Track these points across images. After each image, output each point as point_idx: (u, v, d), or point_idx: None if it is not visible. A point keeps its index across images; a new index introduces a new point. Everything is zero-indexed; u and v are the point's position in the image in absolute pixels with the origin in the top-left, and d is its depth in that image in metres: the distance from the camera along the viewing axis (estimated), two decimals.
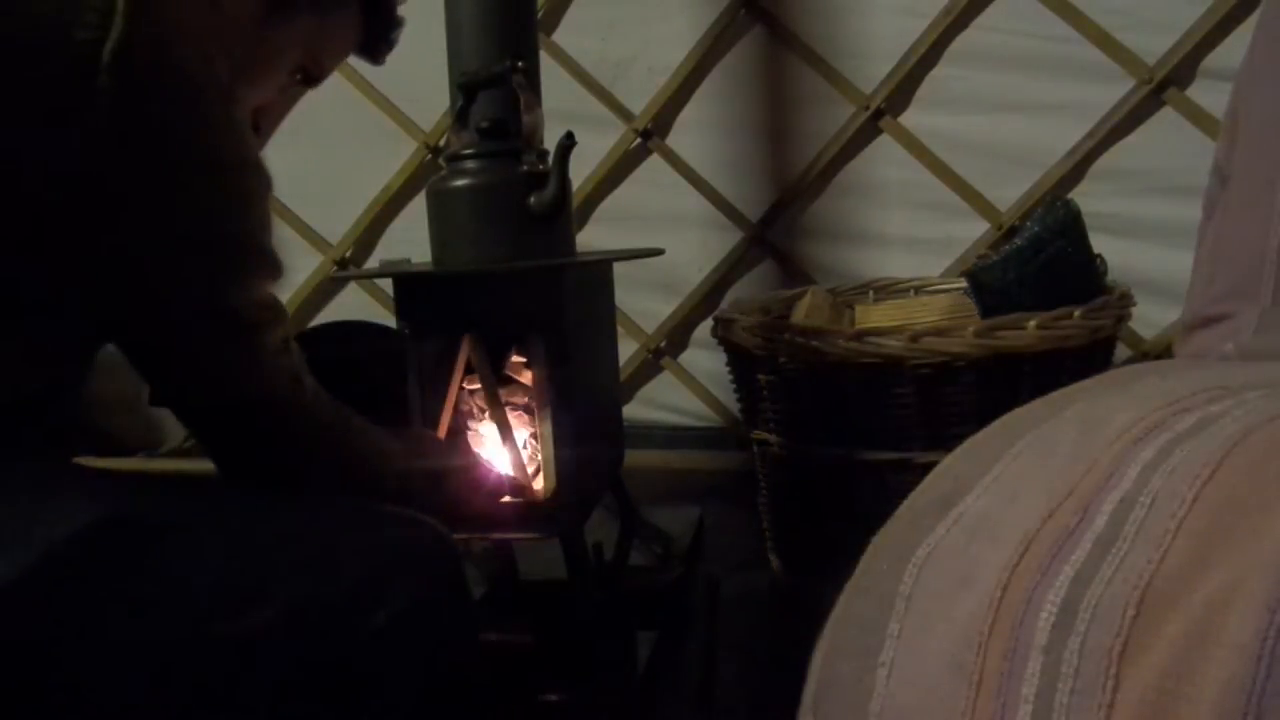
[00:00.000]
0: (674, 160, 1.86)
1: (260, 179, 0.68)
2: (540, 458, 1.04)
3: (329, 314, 2.12)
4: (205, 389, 0.70)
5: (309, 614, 0.65)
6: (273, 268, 0.70)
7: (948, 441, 0.57)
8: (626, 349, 1.90)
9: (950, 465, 0.51)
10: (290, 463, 0.74)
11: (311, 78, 0.86)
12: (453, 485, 0.95)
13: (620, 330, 1.57)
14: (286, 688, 0.65)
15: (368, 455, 0.80)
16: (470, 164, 1.02)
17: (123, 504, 0.64)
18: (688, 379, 1.95)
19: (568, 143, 0.98)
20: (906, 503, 0.50)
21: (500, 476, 1.03)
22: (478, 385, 1.07)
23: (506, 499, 1.02)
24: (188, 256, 0.65)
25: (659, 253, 1.19)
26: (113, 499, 0.64)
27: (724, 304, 1.79)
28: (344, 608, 0.67)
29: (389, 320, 1.04)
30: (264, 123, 0.85)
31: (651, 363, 1.97)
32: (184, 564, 0.64)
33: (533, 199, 1.00)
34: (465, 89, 1.05)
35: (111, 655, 0.60)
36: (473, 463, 1.00)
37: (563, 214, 1.01)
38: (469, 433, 1.10)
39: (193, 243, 0.65)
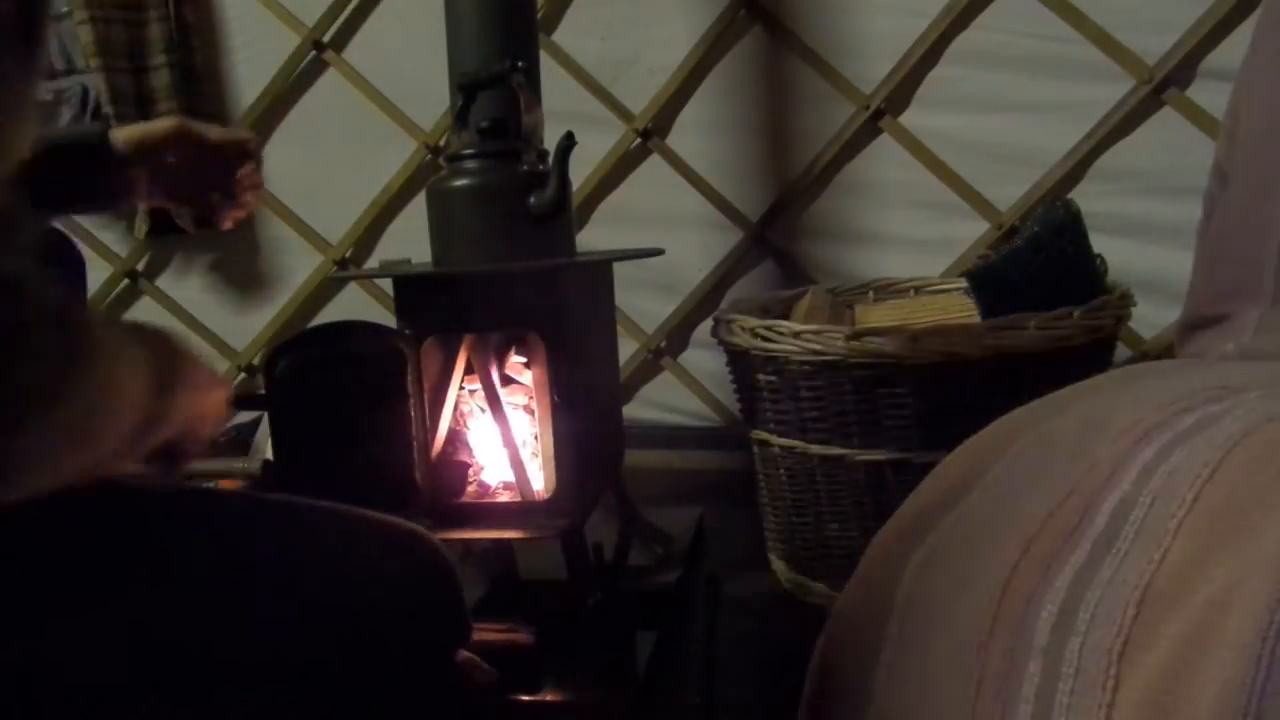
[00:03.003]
0: (674, 160, 1.86)
1: None
2: (540, 458, 1.04)
3: (329, 314, 2.12)
4: None
5: (304, 628, 0.65)
6: None
7: (948, 441, 0.57)
8: (626, 349, 1.90)
9: (950, 465, 0.51)
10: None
11: None
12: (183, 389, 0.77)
13: (620, 330, 1.57)
14: (280, 701, 0.65)
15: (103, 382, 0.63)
16: (470, 164, 1.02)
17: (137, 515, 0.64)
18: (688, 379, 1.95)
19: (568, 143, 0.98)
20: (906, 503, 0.50)
21: (219, 377, 0.77)
22: (478, 385, 1.07)
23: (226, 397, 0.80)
24: None
25: (659, 253, 1.19)
26: (125, 510, 0.65)
27: (724, 304, 1.79)
28: (341, 621, 0.67)
29: (389, 320, 1.03)
30: None
31: (651, 363, 1.97)
32: (185, 577, 0.64)
33: (533, 199, 1.00)
34: (465, 89, 1.05)
35: (131, 669, 0.61)
36: (196, 361, 0.74)
37: (563, 214, 1.01)
38: (467, 432, 1.10)
39: None
